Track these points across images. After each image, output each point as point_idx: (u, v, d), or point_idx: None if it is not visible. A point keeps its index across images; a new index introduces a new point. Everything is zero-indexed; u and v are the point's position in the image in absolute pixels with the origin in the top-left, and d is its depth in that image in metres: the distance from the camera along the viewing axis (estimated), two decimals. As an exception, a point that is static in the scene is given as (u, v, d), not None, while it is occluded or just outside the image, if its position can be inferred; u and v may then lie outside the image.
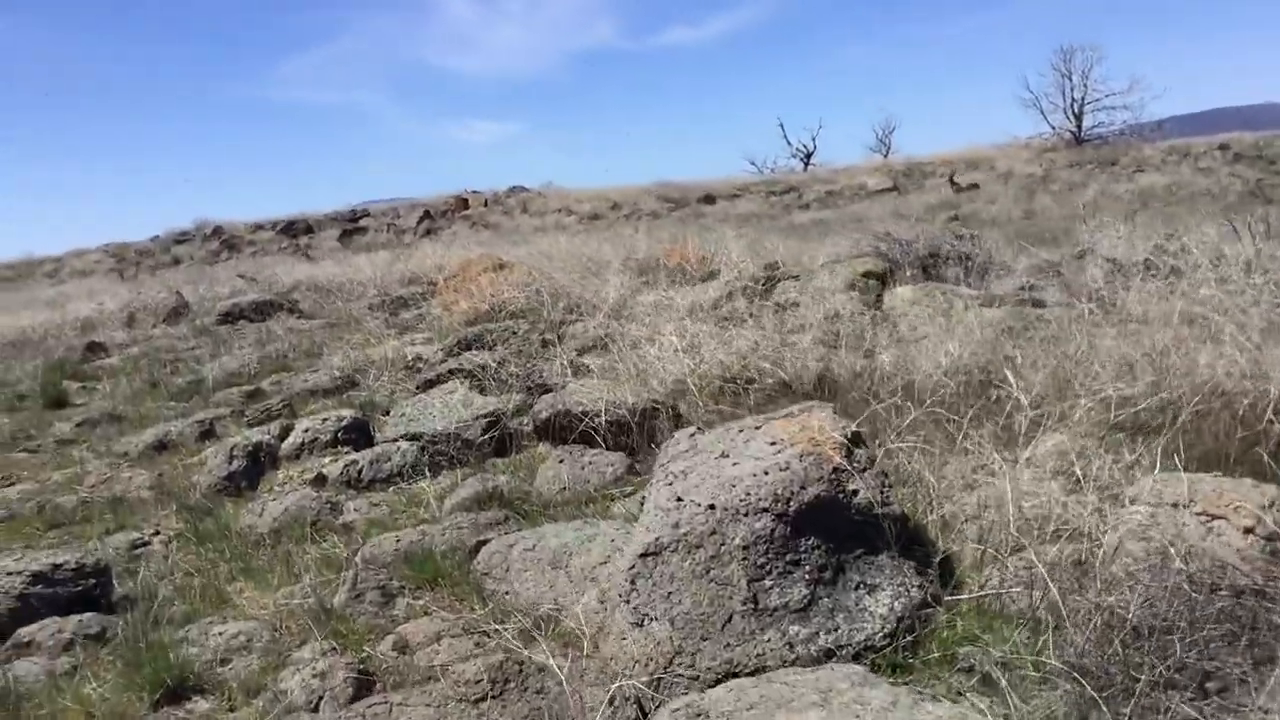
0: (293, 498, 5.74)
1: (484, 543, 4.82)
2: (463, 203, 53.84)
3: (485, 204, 54.52)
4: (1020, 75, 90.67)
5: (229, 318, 14.59)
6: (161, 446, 7.45)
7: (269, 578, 5.13)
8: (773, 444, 4.22)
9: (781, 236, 18.48)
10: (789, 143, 57.24)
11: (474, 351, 8.40)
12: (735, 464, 4.12)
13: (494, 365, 7.90)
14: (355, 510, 5.73)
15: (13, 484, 7.14)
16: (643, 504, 4.26)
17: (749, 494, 3.85)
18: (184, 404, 9.34)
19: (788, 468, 3.93)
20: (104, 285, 34.63)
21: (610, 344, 9.32)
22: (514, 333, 8.73)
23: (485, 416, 6.58)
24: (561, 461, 5.68)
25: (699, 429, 4.58)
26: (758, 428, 4.40)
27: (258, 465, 6.41)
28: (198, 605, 4.89)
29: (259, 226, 51.02)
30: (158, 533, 5.81)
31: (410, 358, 9.64)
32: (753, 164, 57.11)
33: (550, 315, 10.42)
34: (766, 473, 3.95)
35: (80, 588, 4.81)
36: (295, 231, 50.35)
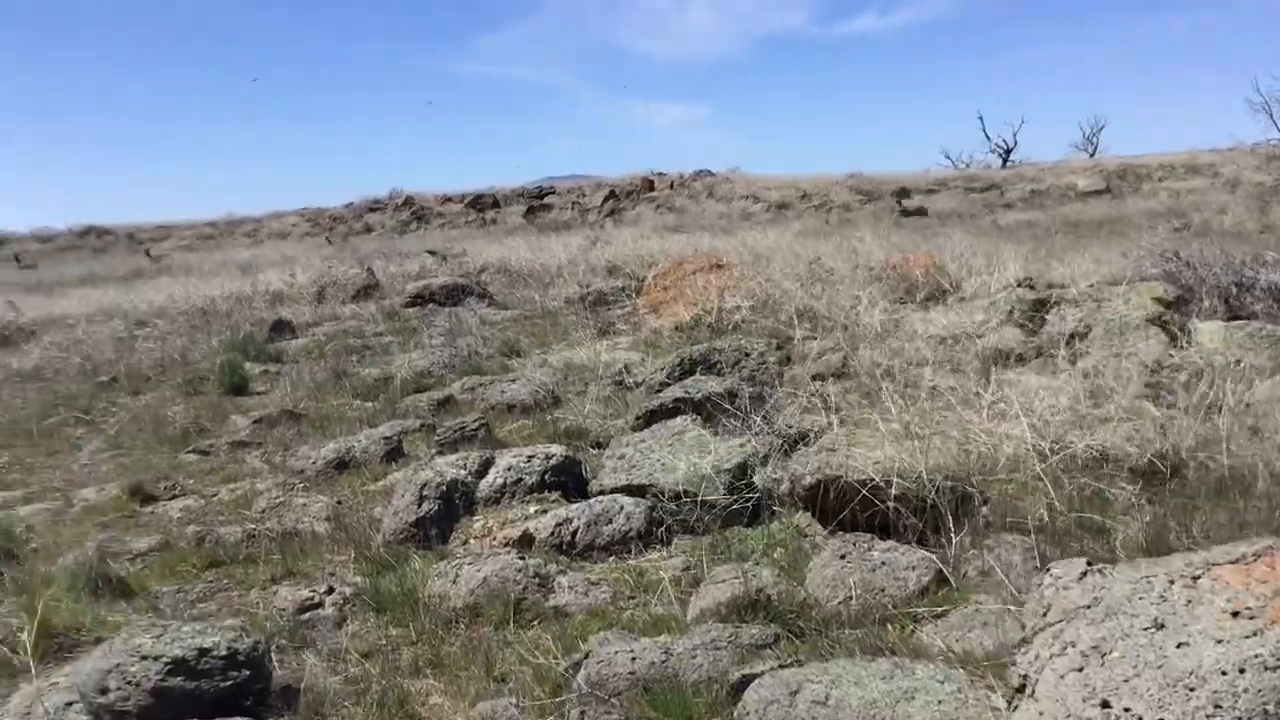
0: (493, 565, 4.57)
1: (751, 677, 3.50)
2: (648, 184, 52.95)
3: (671, 186, 53.47)
4: (1249, 77, 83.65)
5: (418, 300, 13.81)
6: (342, 465, 6.44)
7: (462, 678, 3.97)
8: (1234, 614, 2.78)
9: (996, 240, 16.57)
10: (988, 137, 54.16)
11: (700, 375, 7.10)
12: (1182, 646, 2.71)
13: (726, 395, 6.59)
14: (570, 589, 4.51)
15: (177, 496, 6.26)
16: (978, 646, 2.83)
17: (1220, 707, 2.44)
18: (369, 403, 8.40)
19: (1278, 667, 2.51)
20: (299, 250, 35.21)
21: (849, 368, 7.91)
22: (746, 354, 7.40)
23: (728, 471, 5.27)
24: (843, 557, 4.30)
25: (1093, 567, 3.12)
26: (1197, 578, 2.94)
27: (451, 509, 5.29)
28: (372, 713, 3.76)
29: (448, 199, 51.43)
30: (331, 590, 4.74)
31: (618, 368, 8.45)
32: (947, 158, 54.25)
33: (779, 330, 9.05)
34: (1242, 670, 2.55)
35: (230, 681, 3.73)
36: (482, 205, 50.52)
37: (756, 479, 5.41)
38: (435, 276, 15.00)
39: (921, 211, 35.12)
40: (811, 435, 5.97)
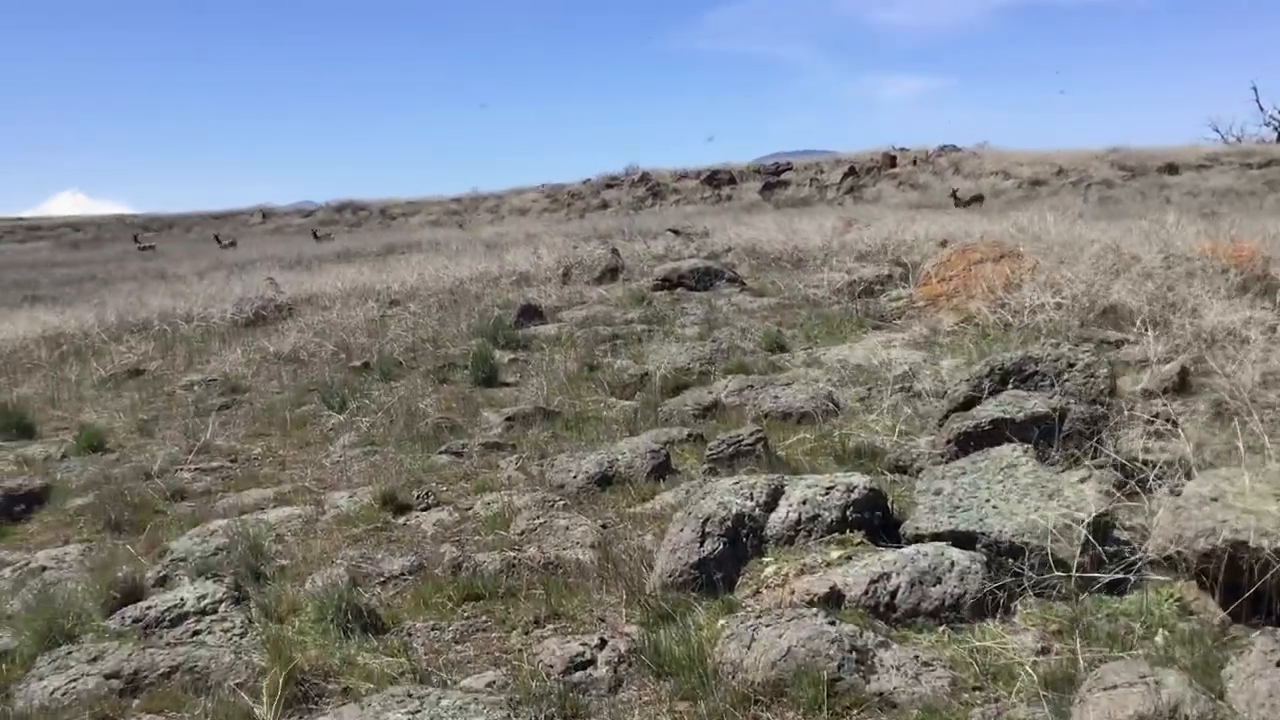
0: (797, 632, 3.73)
1: None
2: (889, 160, 50.86)
3: (914, 162, 51.17)
4: None
5: (666, 284, 13.16)
6: (604, 480, 5.76)
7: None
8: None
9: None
10: (1261, 109, 48.81)
11: (1016, 389, 6.00)
12: None
13: (1054, 415, 5.48)
14: (896, 670, 3.61)
15: (430, 507, 5.74)
16: None
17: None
18: (624, 402, 7.75)
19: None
20: (538, 225, 35.61)
21: (1189, 382, 6.58)
22: (1070, 364, 6.23)
23: (1079, 521, 4.22)
24: (1283, 667, 3.20)
25: None
26: None
27: (738, 549, 4.49)
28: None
29: (683, 175, 51.04)
30: (604, 642, 4.03)
31: (901, 371, 7.43)
32: (1216, 131, 49.33)
33: (1088, 333, 7.78)
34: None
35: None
36: (718, 182, 49.85)
37: (1116, 532, 4.32)
38: (682, 259, 14.30)
39: (1193, 190, 31.85)
40: (1168, 470, 4.82)
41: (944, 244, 12.68)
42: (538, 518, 5.24)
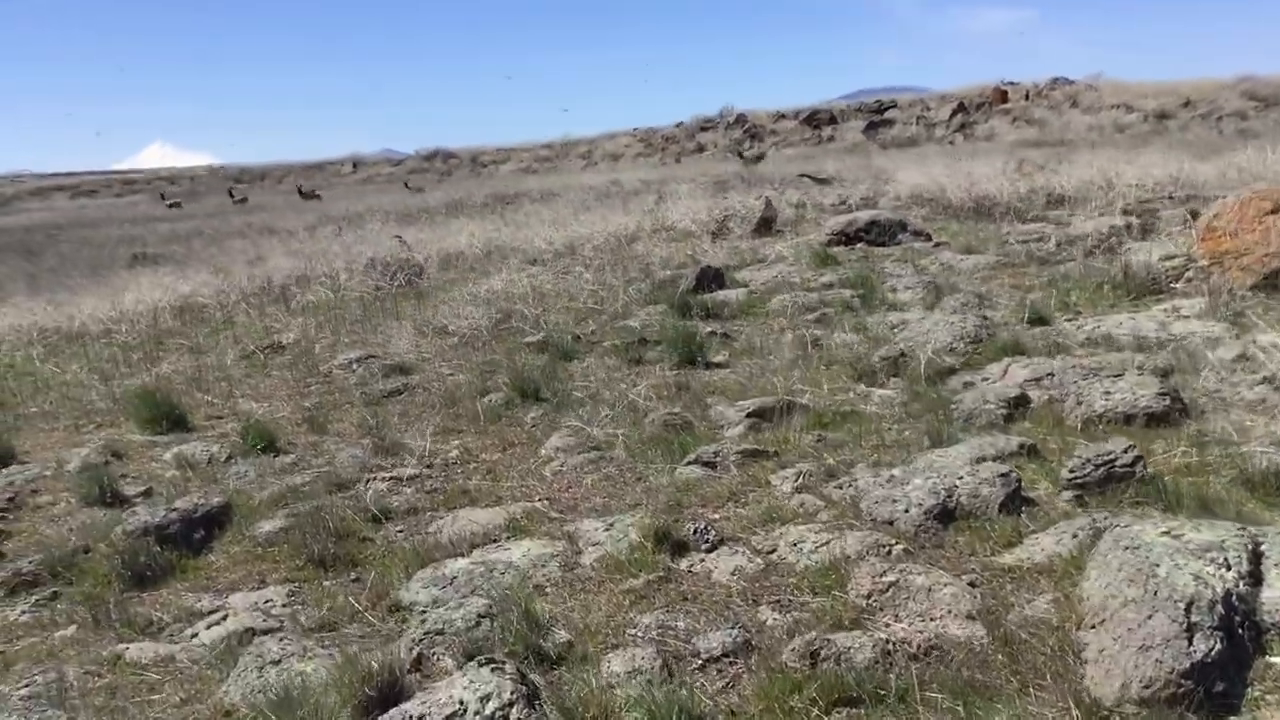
0: None
1: None
2: (1001, 95, 48.33)
3: (1026, 97, 48.57)
4: None
5: (843, 239, 11.77)
6: (945, 515, 4.47)
7: None
8: None
9: None
10: None
11: None
12: None
13: None
14: None
15: (715, 545, 4.52)
16: None
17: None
18: (880, 390, 6.47)
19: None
20: (643, 171, 34.19)
21: None
22: None
23: None
24: None
25: None
26: None
27: (1234, 645, 3.21)
28: None
29: (780, 116, 49.11)
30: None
31: (1231, 354, 6.02)
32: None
33: None
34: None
35: None
36: (817, 122, 47.80)
37: None
38: (858, 211, 12.85)
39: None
40: None
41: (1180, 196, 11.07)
42: (883, 575, 3.98)
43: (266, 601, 4.53)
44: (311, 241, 17.97)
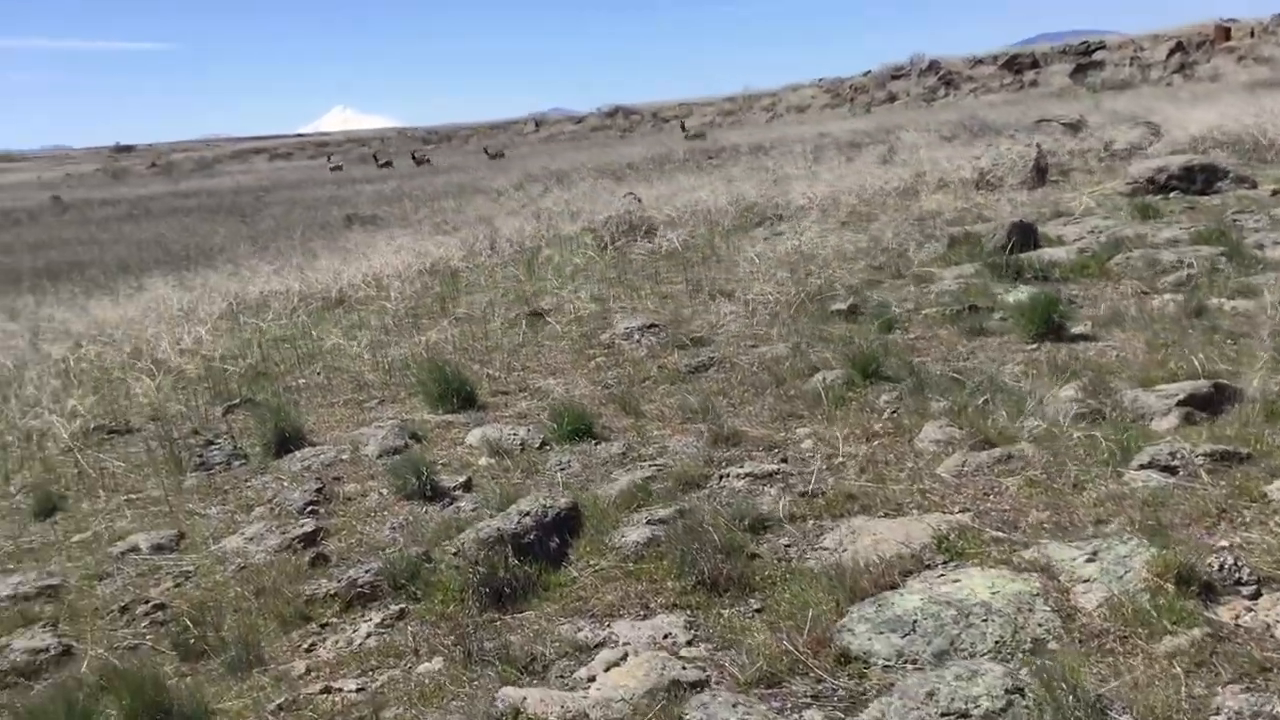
0: None
1: None
2: (1223, 33, 44.29)
3: (1251, 34, 44.40)
4: None
5: (1152, 187, 10.32)
6: None
7: None
8: None
9: None
10: None
11: None
12: None
13: None
14: None
15: (1258, 590, 3.44)
16: None
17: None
18: None
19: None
20: (829, 123, 32.64)
21: None
22: None
23: None
24: None
25: None
26: None
27: None
28: None
29: (977, 61, 46.42)
30: None
31: None
32: None
33: None
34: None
35: None
36: (1018, 67, 44.95)
37: None
38: (1167, 158, 11.30)
39: None
40: None
41: None
42: None
43: (666, 637, 3.69)
44: (527, 200, 17.41)
